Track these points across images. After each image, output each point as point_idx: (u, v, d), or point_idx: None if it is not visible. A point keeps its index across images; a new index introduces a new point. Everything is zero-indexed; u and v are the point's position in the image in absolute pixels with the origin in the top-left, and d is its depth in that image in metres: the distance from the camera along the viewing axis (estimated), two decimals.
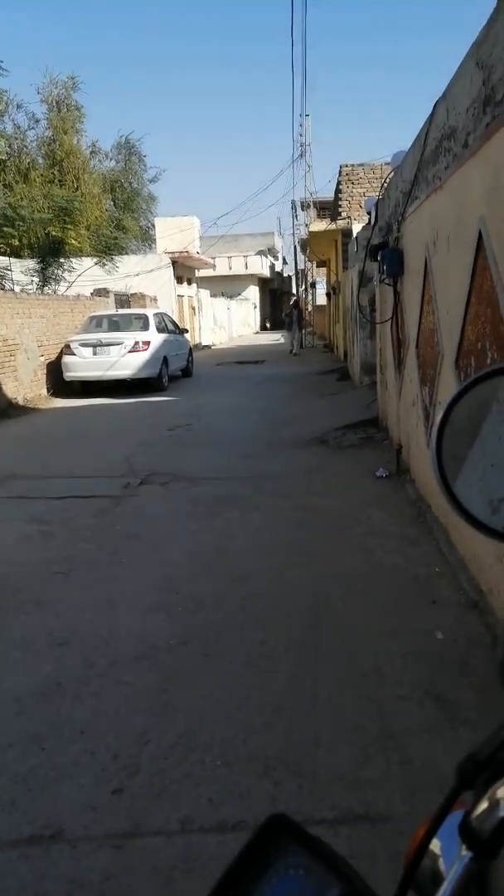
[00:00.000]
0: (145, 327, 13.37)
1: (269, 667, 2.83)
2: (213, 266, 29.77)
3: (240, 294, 39.46)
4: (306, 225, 23.94)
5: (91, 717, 2.53)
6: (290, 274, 44.87)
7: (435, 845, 0.64)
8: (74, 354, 12.71)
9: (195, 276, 27.67)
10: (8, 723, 2.51)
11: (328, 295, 22.36)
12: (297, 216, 29.01)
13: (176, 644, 3.05)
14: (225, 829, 1.94)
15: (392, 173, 6.62)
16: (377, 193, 8.57)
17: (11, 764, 2.27)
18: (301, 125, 26.15)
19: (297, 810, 1.99)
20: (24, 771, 2.23)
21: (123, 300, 17.82)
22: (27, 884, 1.79)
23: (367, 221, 10.10)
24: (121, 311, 15.09)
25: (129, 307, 17.26)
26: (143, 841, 1.92)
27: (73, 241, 17.19)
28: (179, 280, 24.24)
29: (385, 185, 7.17)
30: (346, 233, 15.04)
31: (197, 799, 2.06)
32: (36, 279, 15.70)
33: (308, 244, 22.63)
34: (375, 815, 1.96)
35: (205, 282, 30.84)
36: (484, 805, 0.54)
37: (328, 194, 22.81)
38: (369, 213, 8.85)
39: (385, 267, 6.03)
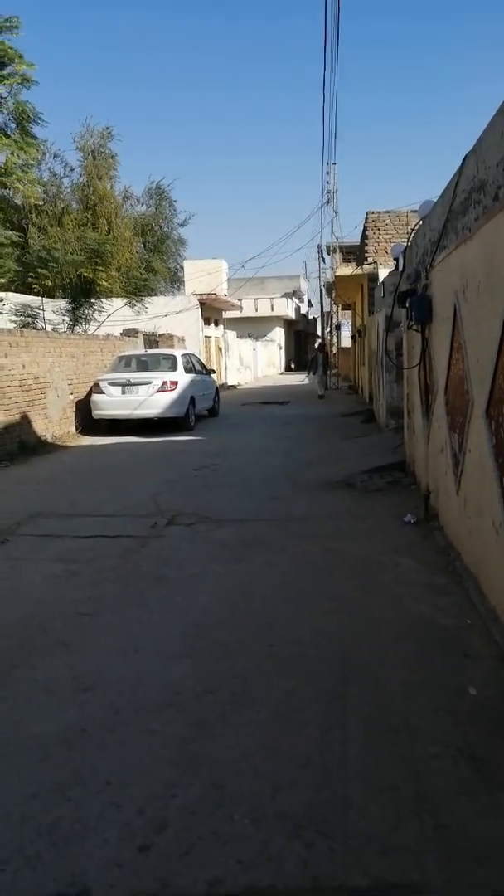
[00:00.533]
0: (173, 367, 13.56)
1: (296, 718, 2.77)
2: (240, 308, 30.30)
3: (265, 335, 39.97)
4: (332, 269, 24.32)
5: (116, 766, 2.49)
6: (316, 316, 45.37)
7: None
8: (103, 393, 12.91)
9: (222, 318, 28.13)
10: (32, 770, 2.48)
11: (353, 337, 22.58)
12: (323, 259, 29.46)
13: (202, 692, 3.01)
14: (255, 894, 1.88)
15: (420, 222, 6.72)
16: (403, 240, 8.70)
17: (36, 814, 2.23)
18: (328, 172, 26.76)
19: (329, 875, 1.93)
20: (49, 822, 2.19)
21: (152, 340, 18.15)
22: None
23: (393, 267, 10.23)
24: (149, 352, 15.35)
25: (157, 347, 17.56)
26: None
27: (104, 283, 17.66)
28: (207, 321, 24.66)
29: (413, 232, 7.28)
30: (372, 277, 15.24)
31: (225, 859, 2.00)
32: (67, 319, 16.10)
33: (334, 287, 22.96)
34: (410, 884, 1.88)
35: (231, 323, 31.32)
36: None
37: (354, 239, 23.21)
38: (396, 259, 8.97)
39: (413, 313, 6.08)
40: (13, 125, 15.95)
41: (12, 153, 15.59)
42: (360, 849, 2.02)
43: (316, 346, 26.07)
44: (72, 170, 26.27)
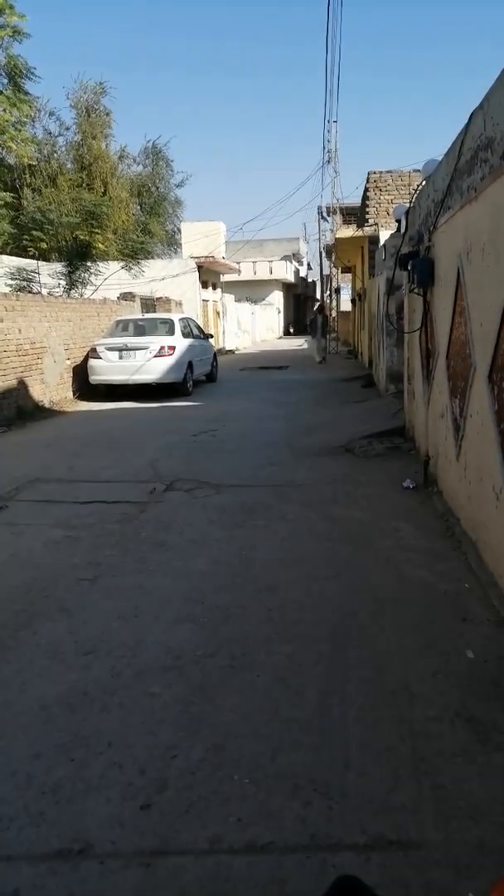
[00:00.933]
0: (171, 332, 13.43)
1: (296, 682, 2.80)
2: (238, 271, 29.89)
3: (264, 299, 39.54)
4: (332, 231, 23.91)
5: (118, 728, 2.52)
6: (315, 279, 44.82)
7: None
8: (100, 358, 12.80)
9: (220, 281, 27.77)
10: (36, 732, 2.51)
11: (353, 301, 22.30)
12: (326, 220, 28.92)
13: (202, 656, 3.04)
14: (254, 851, 1.92)
15: (423, 182, 6.57)
16: (405, 201, 8.53)
17: (39, 775, 2.27)
18: (329, 131, 26.11)
19: (327, 833, 1.97)
20: (53, 782, 2.23)
21: (149, 304, 17.93)
22: None
23: (395, 229, 10.04)
24: (147, 316, 15.18)
25: (154, 311, 17.36)
26: (172, 860, 1.90)
27: (100, 245, 17.36)
28: (204, 285, 24.35)
29: (416, 193, 7.12)
30: (373, 240, 14.99)
31: (225, 818, 2.04)
32: (63, 283, 15.87)
33: (334, 250, 22.61)
34: (407, 841, 1.92)
35: (229, 286, 30.95)
36: None
37: (355, 200, 22.79)
38: (398, 221, 8.80)
39: (415, 276, 5.98)
40: (5, 80, 15.51)
41: (4, 110, 15.18)
42: (358, 808, 2.06)
43: (315, 308, 24.69)
44: (67, 128, 25.66)
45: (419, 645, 3.07)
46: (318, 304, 26.51)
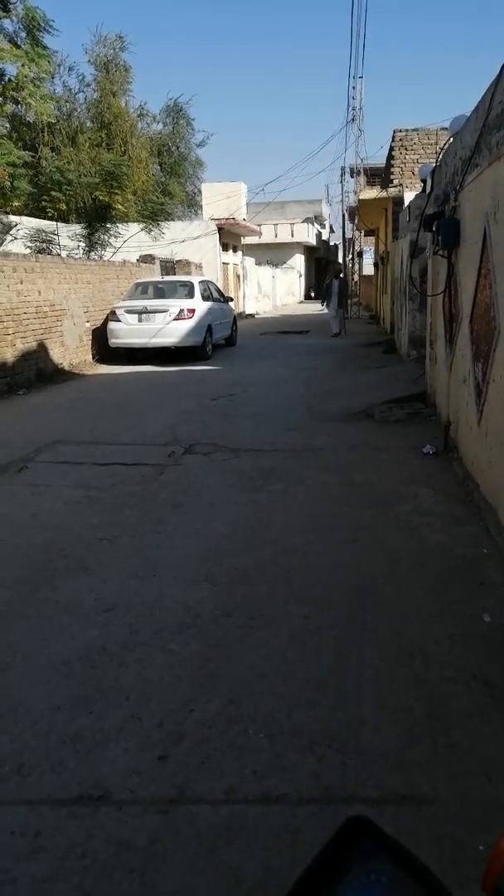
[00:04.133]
0: (190, 295, 13.32)
1: (313, 642, 2.82)
2: (259, 233, 29.40)
3: (285, 262, 38.96)
4: (355, 192, 23.37)
5: (136, 683, 2.57)
6: (337, 243, 44.03)
7: None
8: (120, 321, 12.76)
9: (241, 244, 27.37)
10: (56, 685, 2.57)
11: (376, 265, 21.86)
12: (345, 182, 28.27)
13: (220, 615, 3.07)
14: (269, 801, 1.96)
15: (451, 139, 6.36)
16: (432, 161, 8.27)
17: (60, 725, 2.32)
18: (354, 87, 25.32)
19: (340, 787, 2.00)
20: (72, 732, 2.29)
21: (169, 267, 17.76)
22: (76, 842, 1.84)
23: (420, 190, 9.79)
24: (167, 279, 15.05)
25: (174, 274, 17.20)
26: (188, 808, 1.95)
27: (120, 207, 17.14)
28: (225, 247, 24.02)
29: (442, 151, 6.91)
30: (398, 201, 14.62)
31: (241, 769, 2.08)
32: (82, 244, 15.74)
33: (357, 212, 22.10)
34: (421, 797, 1.95)
35: (250, 249, 30.51)
36: None
37: (380, 161, 22.18)
38: (424, 181, 8.57)
39: (440, 237, 5.84)
40: (23, 34, 15.18)
41: (23, 65, 14.90)
42: (372, 764, 2.09)
43: (334, 271, 21.45)
44: (87, 85, 25.15)
45: (436, 608, 3.07)
46: (336, 266, 24.46)
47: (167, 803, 1.97)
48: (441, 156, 6.98)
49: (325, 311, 19.25)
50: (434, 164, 7.43)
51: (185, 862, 1.76)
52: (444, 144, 6.84)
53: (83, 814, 1.94)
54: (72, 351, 12.02)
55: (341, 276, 21.03)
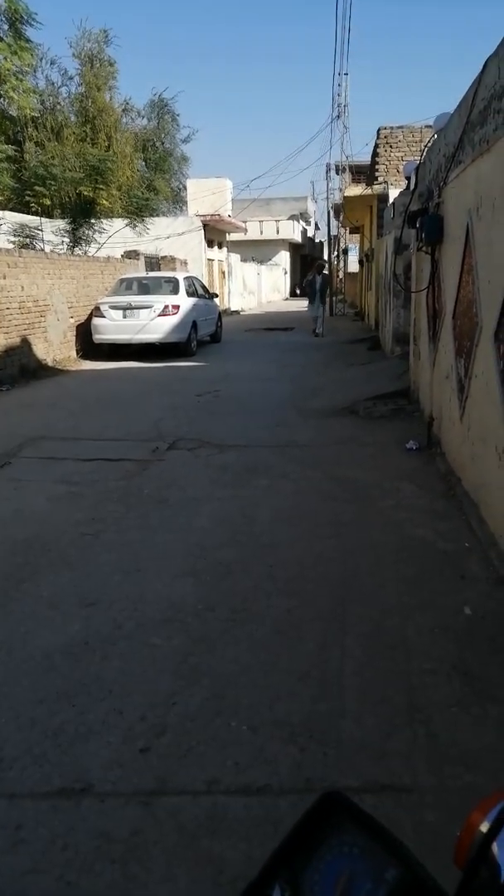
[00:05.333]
0: (175, 291, 13.27)
1: (296, 635, 2.84)
2: (245, 230, 29.36)
3: (270, 259, 38.96)
4: (341, 189, 23.40)
5: (119, 676, 2.57)
6: (322, 240, 44.09)
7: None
8: (104, 317, 12.69)
9: (226, 240, 27.32)
10: (39, 679, 2.56)
11: (360, 262, 21.90)
12: (331, 179, 28.27)
13: (203, 609, 3.08)
14: (250, 793, 1.97)
15: (434, 136, 6.39)
16: (417, 158, 8.30)
17: (42, 719, 2.32)
18: (339, 84, 25.33)
19: (321, 777, 2.01)
20: (55, 726, 2.28)
21: (154, 263, 17.69)
22: (58, 834, 1.83)
23: (405, 187, 9.82)
24: (151, 274, 14.98)
25: (159, 270, 17.14)
26: (170, 799, 1.96)
27: (105, 202, 17.04)
28: (210, 243, 23.97)
29: (426, 148, 6.94)
30: (383, 198, 14.67)
31: (223, 761, 2.09)
32: (66, 240, 15.63)
33: (342, 209, 22.14)
34: (401, 786, 1.97)
35: (235, 246, 30.45)
36: None
37: (365, 158, 22.23)
38: (408, 178, 8.60)
39: (423, 234, 5.87)
40: (5, 26, 15.03)
41: (5, 58, 14.76)
42: (354, 754, 2.11)
43: (315, 267, 19.27)
44: (70, 78, 24.93)
45: (418, 602, 3.10)
46: (318, 262, 22.00)
47: (149, 795, 1.97)
48: (425, 153, 7.02)
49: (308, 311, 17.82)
50: (418, 161, 7.46)
51: (167, 852, 1.77)
52: (428, 141, 6.87)
53: (65, 807, 1.94)
54: (56, 347, 11.94)
55: (325, 271, 19.57)
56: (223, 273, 26.21)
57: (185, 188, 27.46)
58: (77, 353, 12.81)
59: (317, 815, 0.58)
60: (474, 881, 0.54)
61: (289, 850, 0.56)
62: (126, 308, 12.66)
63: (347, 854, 0.55)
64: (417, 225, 6.10)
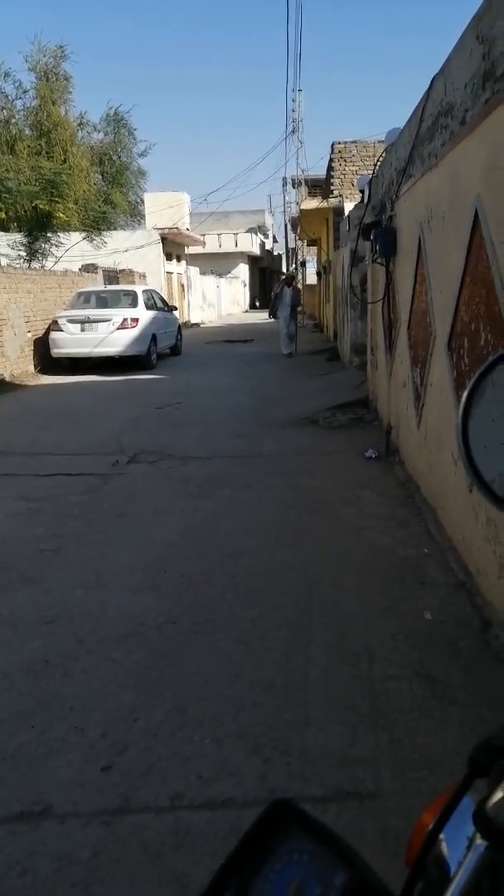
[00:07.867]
0: (134, 304, 13.22)
1: (259, 645, 2.83)
2: (203, 243, 29.45)
3: (229, 272, 39.12)
4: (297, 203, 23.70)
5: (80, 693, 2.52)
6: (281, 252, 44.54)
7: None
8: (62, 331, 12.56)
9: (185, 254, 27.37)
10: None
11: (318, 274, 22.14)
12: (287, 193, 28.63)
13: (165, 622, 3.05)
14: (214, 806, 1.94)
15: (386, 151, 6.53)
16: (370, 172, 8.47)
17: (1, 741, 2.26)
18: (294, 100, 25.75)
19: (285, 788, 2.01)
20: (13, 747, 2.22)
21: (112, 276, 17.61)
22: (17, 860, 1.78)
23: (359, 200, 10.00)
24: (109, 288, 14.91)
25: (117, 283, 17.06)
26: (132, 817, 1.92)
27: (61, 215, 16.90)
28: (169, 257, 23.97)
29: (379, 162, 7.09)
30: (338, 211, 14.90)
31: (186, 776, 2.06)
32: (23, 253, 15.45)
33: (299, 222, 22.41)
34: (365, 792, 1.97)
35: (194, 259, 30.53)
36: (501, 793, 0.53)
37: (320, 172, 22.59)
38: (362, 192, 8.76)
39: (378, 246, 5.98)
40: None
41: None
42: (317, 763, 2.10)
43: (283, 279, 17.54)
44: (24, 91, 24.75)
45: (380, 608, 3.13)
46: (285, 275, 20.74)
47: (111, 814, 1.93)
48: (378, 167, 7.16)
49: (272, 321, 15.94)
50: (371, 175, 7.61)
51: (129, 872, 1.74)
52: (381, 155, 7.02)
53: (23, 831, 1.88)
54: (13, 361, 11.76)
55: (295, 283, 17.68)
56: (182, 286, 26.22)
57: (142, 202, 27.44)
58: (35, 368, 12.63)
59: (266, 823, 0.58)
60: (420, 879, 0.54)
61: (239, 859, 0.56)
62: (84, 321, 12.56)
63: (297, 861, 0.55)
64: (372, 237, 6.21)
